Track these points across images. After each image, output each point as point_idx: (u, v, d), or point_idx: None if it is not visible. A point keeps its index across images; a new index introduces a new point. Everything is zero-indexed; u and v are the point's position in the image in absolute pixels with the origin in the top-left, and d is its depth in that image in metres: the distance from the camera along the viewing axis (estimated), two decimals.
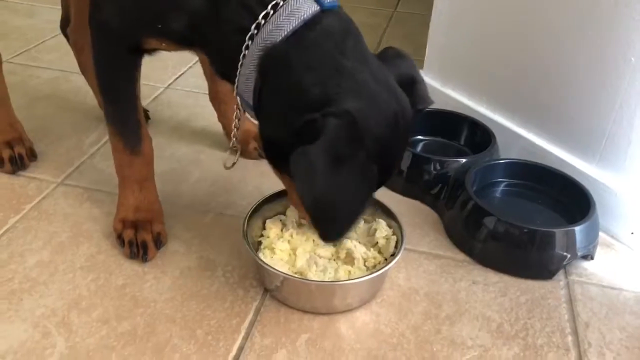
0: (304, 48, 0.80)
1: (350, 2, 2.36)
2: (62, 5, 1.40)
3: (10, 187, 1.18)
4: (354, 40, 0.82)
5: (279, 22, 0.80)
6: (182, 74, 1.70)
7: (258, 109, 0.86)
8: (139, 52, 0.96)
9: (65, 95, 1.54)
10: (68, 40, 1.41)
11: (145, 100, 1.52)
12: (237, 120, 0.96)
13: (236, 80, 0.86)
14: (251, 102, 0.86)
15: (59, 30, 1.42)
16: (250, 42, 0.82)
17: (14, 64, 1.67)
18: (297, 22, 0.80)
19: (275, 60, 0.81)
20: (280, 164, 0.88)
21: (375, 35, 2.07)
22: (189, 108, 1.53)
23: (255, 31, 0.81)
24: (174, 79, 1.67)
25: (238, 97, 0.90)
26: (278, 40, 0.80)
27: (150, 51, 0.96)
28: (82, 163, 1.28)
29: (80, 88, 1.54)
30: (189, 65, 1.73)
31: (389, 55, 0.89)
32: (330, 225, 0.81)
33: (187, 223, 1.12)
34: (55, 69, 1.66)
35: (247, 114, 0.93)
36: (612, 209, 1.16)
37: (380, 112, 0.79)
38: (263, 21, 0.81)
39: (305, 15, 0.80)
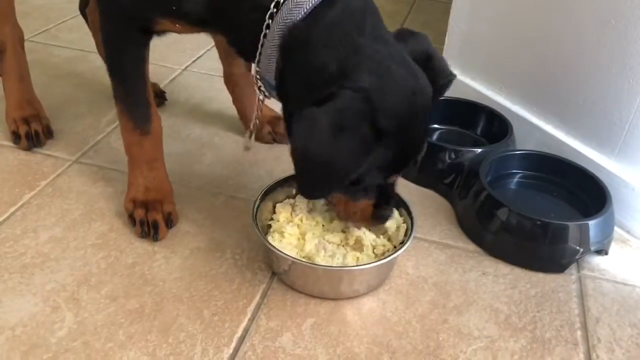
0: (323, 26, 0.80)
1: None
2: None
3: (26, 164, 1.20)
4: (372, 19, 0.83)
5: (298, 0, 0.80)
6: (200, 56, 1.69)
7: (280, 89, 0.86)
8: (149, 33, 0.95)
9: (84, 74, 1.55)
10: (86, 20, 1.41)
11: (162, 82, 1.53)
12: (259, 102, 0.96)
13: (257, 60, 0.86)
14: (273, 82, 0.86)
15: (79, 10, 1.43)
16: (270, 21, 0.82)
17: (34, 42, 1.69)
18: (315, 1, 0.80)
19: (295, 39, 0.81)
20: None
21: (395, 23, 2.05)
22: (205, 91, 1.53)
23: (275, 10, 0.81)
24: (191, 61, 1.67)
25: (258, 78, 0.89)
26: (298, 19, 0.80)
27: (161, 32, 0.95)
28: (97, 142, 1.29)
29: (98, 68, 1.55)
30: (207, 49, 1.73)
31: (403, 35, 0.88)
32: (311, 183, 0.82)
33: (199, 204, 1.13)
34: (75, 49, 1.67)
35: (265, 98, 0.93)
36: (629, 204, 1.14)
37: (398, 89, 0.80)
38: (282, 0, 0.80)
39: None
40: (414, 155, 0.87)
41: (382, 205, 0.93)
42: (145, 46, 0.98)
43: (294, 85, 0.84)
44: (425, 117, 0.85)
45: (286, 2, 0.80)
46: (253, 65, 0.88)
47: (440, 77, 0.88)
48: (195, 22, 0.90)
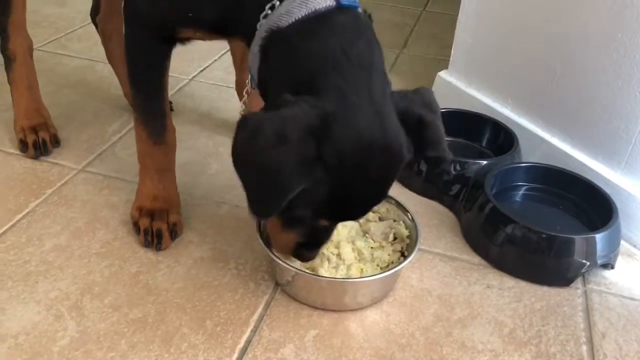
0: (306, 37, 0.78)
1: (379, 0, 2.35)
2: None
3: (33, 172, 1.20)
4: (365, 45, 0.78)
5: (289, 8, 0.80)
6: (207, 66, 1.70)
7: (259, 86, 0.87)
8: (172, 41, 0.96)
9: (91, 84, 1.56)
10: (97, 28, 1.42)
11: (169, 91, 1.51)
12: (245, 91, 0.97)
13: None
14: (255, 78, 0.87)
15: (88, 20, 1.44)
16: (264, 22, 0.82)
17: (43, 52, 1.70)
18: (306, 12, 0.79)
19: (276, 42, 0.81)
20: None
21: (402, 34, 2.05)
22: (211, 101, 1.53)
23: (269, 12, 0.82)
24: (198, 71, 1.68)
25: (250, 72, 0.89)
26: (285, 25, 0.79)
27: (184, 40, 0.96)
28: (103, 151, 1.29)
29: (105, 77, 1.56)
30: (214, 59, 1.74)
31: (399, 93, 0.81)
32: (255, 196, 0.74)
33: (203, 214, 1.13)
34: (83, 58, 1.68)
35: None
36: (636, 218, 1.13)
37: (357, 132, 0.72)
38: (278, 3, 0.81)
39: (317, 7, 0.79)
40: (351, 212, 0.81)
41: (308, 245, 0.88)
42: (167, 56, 0.98)
43: (268, 85, 0.84)
44: (380, 179, 0.77)
45: (280, 7, 0.81)
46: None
47: (430, 149, 0.79)
48: (215, 30, 0.91)
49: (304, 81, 0.76)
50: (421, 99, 0.81)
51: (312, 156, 0.71)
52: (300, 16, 0.79)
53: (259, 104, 0.87)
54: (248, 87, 0.95)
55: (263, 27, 0.82)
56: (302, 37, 0.78)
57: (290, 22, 0.79)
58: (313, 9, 0.79)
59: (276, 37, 0.80)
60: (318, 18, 0.79)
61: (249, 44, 0.88)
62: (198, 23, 0.91)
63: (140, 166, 1.07)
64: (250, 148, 0.71)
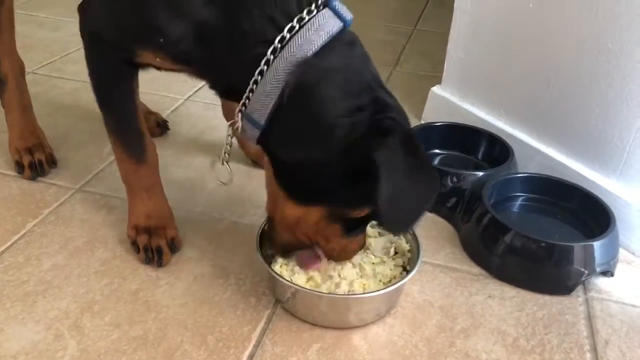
0: (336, 62, 0.78)
1: (370, 18, 2.38)
2: None
3: (30, 193, 1.20)
4: (371, 61, 0.84)
5: (308, 37, 0.77)
6: (202, 86, 1.71)
7: (269, 129, 0.81)
8: (133, 65, 0.92)
9: (86, 105, 1.56)
10: None
11: (165, 112, 1.54)
12: (229, 138, 0.93)
13: (245, 97, 0.81)
14: (262, 122, 0.81)
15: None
16: (272, 57, 0.78)
17: (39, 75, 1.71)
18: (325, 38, 0.78)
19: (307, 75, 0.77)
20: (298, 189, 0.84)
21: (394, 52, 2.08)
22: (207, 120, 1.54)
23: (279, 45, 0.78)
24: (193, 91, 1.69)
25: (240, 116, 0.83)
26: (309, 55, 0.77)
27: (144, 66, 0.92)
28: (100, 170, 1.29)
29: None
30: None
31: None
32: (402, 219, 0.82)
33: (202, 230, 1.13)
34: (78, 80, 1.69)
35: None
36: (633, 225, 1.14)
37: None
38: (288, 35, 0.77)
39: (332, 31, 0.78)
40: None
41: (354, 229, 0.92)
42: (131, 78, 0.95)
43: (294, 126, 0.79)
44: None
45: (295, 37, 0.77)
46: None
47: None
48: (179, 57, 0.84)
49: (363, 104, 0.78)
50: None
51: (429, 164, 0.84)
52: (320, 43, 0.77)
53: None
54: (237, 118, 0.85)
55: (280, 61, 0.77)
56: (335, 63, 0.78)
57: (313, 50, 0.77)
58: (330, 34, 0.78)
59: (306, 70, 0.76)
60: (336, 40, 0.79)
61: (217, 79, 0.85)
62: (161, 47, 0.82)
63: (126, 187, 1.06)
64: (401, 185, 0.77)
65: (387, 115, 0.78)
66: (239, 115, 0.83)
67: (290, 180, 0.85)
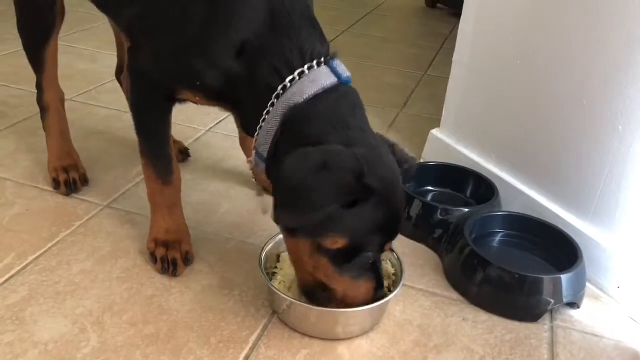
0: (322, 108, 0.95)
1: (383, 64, 2.54)
2: (117, 56, 1.62)
3: (64, 207, 1.36)
4: (360, 112, 0.99)
5: (302, 87, 0.96)
6: (223, 119, 1.87)
7: (271, 160, 0.98)
8: (172, 100, 1.10)
9: (118, 131, 1.73)
10: (121, 85, 1.61)
11: (187, 141, 1.70)
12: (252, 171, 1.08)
13: (256, 134, 1.00)
14: (265, 155, 0.99)
15: (115, 76, 1.62)
16: (275, 101, 0.97)
17: (76, 102, 1.89)
18: (317, 89, 0.96)
19: (296, 116, 0.95)
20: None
21: (403, 96, 2.22)
22: (225, 150, 1.69)
23: (282, 92, 0.96)
24: (215, 123, 1.85)
25: (254, 151, 1.02)
26: (300, 101, 0.95)
27: (182, 101, 1.09)
28: (127, 190, 1.44)
29: (131, 126, 1.65)
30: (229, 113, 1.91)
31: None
32: (287, 207, 0.91)
33: (213, 248, 1.27)
34: (111, 109, 1.86)
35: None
36: (602, 264, 1.25)
37: (384, 162, 0.95)
38: (289, 84, 0.96)
39: (325, 84, 0.96)
40: (399, 222, 0.98)
41: (379, 284, 1.02)
42: (168, 111, 1.12)
43: (287, 151, 0.93)
44: (401, 193, 0.98)
45: (292, 87, 0.96)
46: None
47: (403, 162, 1.03)
48: (212, 97, 1.04)
49: (326, 142, 0.92)
50: (385, 141, 1.04)
51: (353, 185, 0.88)
52: (312, 92, 0.95)
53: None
54: (253, 153, 1.03)
55: (279, 105, 0.96)
56: (319, 109, 0.95)
57: (304, 98, 0.95)
58: (322, 86, 0.96)
59: (296, 112, 0.95)
60: (327, 92, 0.96)
61: (241, 115, 1.04)
62: (198, 89, 1.02)
63: (151, 204, 1.21)
64: (297, 166, 0.88)
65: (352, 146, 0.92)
66: (254, 151, 1.02)
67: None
